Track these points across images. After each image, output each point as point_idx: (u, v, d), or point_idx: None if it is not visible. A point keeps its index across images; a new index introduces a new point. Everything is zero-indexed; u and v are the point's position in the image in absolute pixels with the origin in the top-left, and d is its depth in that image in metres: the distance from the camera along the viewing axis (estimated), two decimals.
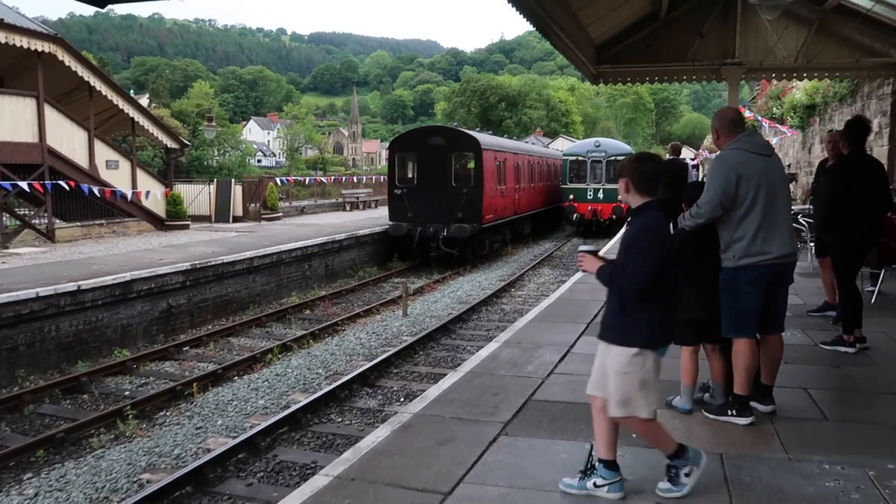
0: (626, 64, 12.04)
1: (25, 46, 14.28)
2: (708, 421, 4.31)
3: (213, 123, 31.50)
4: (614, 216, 24.22)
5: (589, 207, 24.94)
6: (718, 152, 4.36)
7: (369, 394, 8.74)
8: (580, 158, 26.04)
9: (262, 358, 10.29)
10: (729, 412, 4.28)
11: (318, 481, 3.48)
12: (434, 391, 4.88)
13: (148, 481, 6.24)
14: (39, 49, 14.66)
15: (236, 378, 9.50)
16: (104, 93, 16.66)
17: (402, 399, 8.49)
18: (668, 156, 12.91)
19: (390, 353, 10.13)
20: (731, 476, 3.52)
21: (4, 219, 15.35)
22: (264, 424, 7.22)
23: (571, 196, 25.33)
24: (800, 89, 19.17)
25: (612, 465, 3.31)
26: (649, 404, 3.19)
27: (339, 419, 7.86)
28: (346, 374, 9.19)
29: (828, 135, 7.86)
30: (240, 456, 6.69)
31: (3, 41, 13.76)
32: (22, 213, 16.47)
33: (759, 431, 4.06)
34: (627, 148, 27.15)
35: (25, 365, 9.38)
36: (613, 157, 24.95)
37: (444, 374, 9.31)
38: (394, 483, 3.42)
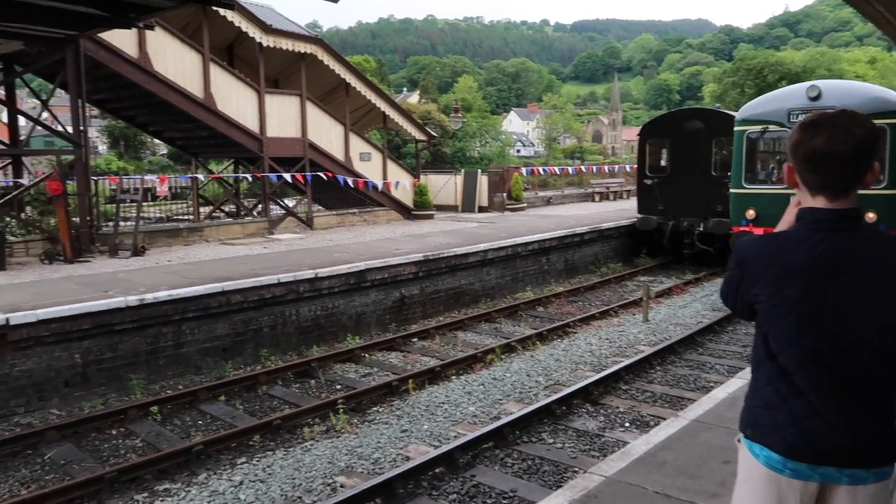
0: None
1: (290, 49, 15.62)
2: None
3: (459, 115, 32.35)
4: None
5: None
6: None
7: (590, 413, 7.71)
8: (771, 129, 12.34)
9: (482, 358, 9.79)
10: None
11: None
12: (640, 446, 3.75)
13: (341, 486, 6.00)
14: (302, 51, 15.96)
15: (453, 377, 9.11)
16: (359, 89, 17.69)
17: (626, 424, 7.33)
18: None
19: (622, 365, 8.96)
20: None
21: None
22: (467, 437, 6.62)
23: (752, 212, 12.30)
24: None
25: None
26: None
27: (551, 440, 6.97)
28: (568, 387, 8.27)
29: None
30: (436, 471, 6.18)
31: (272, 45, 15.20)
32: (288, 202, 18.21)
33: None
34: (888, 93, 12.29)
35: (268, 345, 10.01)
36: None
37: (683, 399, 7.99)
38: None
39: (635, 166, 19.90)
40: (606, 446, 6.76)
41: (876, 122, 9.76)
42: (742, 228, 12.35)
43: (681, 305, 13.08)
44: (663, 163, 18.06)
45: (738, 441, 2.01)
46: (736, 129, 12.88)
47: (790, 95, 12.38)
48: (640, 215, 17.81)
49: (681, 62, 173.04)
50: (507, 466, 6.37)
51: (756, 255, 1.93)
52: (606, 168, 32.63)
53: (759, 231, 11.69)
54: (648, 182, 17.70)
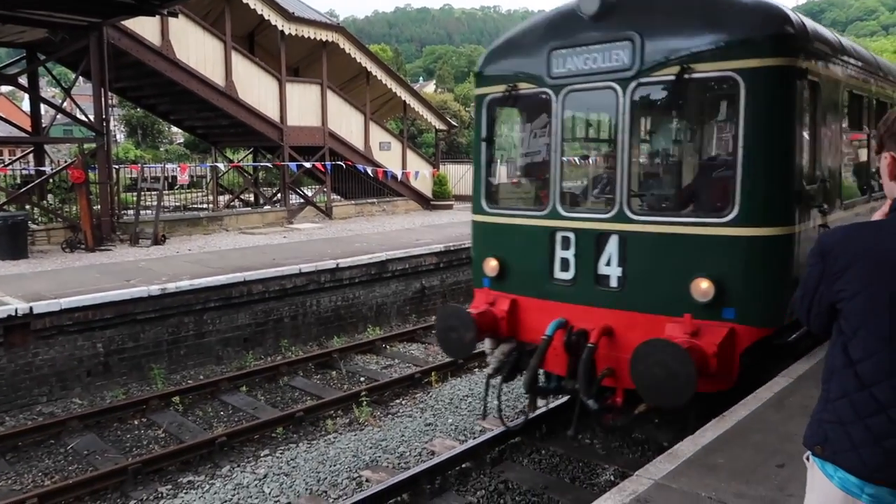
0: None
1: (312, 37, 15.48)
2: None
3: None
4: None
5: (558, 324, 5.33)
6: None
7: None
8: (524, 90, 5.72)
9: None
10: None
11: None
12: (688, 447, 3.59)
13: (367, 480, 5.90)
14: (323, 38, 15.82)
15: (476, 370, 8.97)
16: (380, 78, 17.53)
17: (655, 420, 7.14)
18: None
19: None
20: None
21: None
22: (494, 433, 6.48)
23: (493, 263, 5.91)
24: None
25: None
26: None
27: (579, 435, 6.80)
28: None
29: None
30: (463, 466, 6.05)
31: (294, 33, 15.07)
32: (307, 191, 18.12)
33: None
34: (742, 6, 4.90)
35: (289, 336, 9.93)
36: (675, 65, 4.83)
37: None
38: None
39: None
40: (635, 442, 6.61)
41: (719, 67, 4.57)
42: (484, 292, 6.02)
43: None
44: None
45: (807, 459, 1.83)
46: (476, 91, 6.41)
47: (552, 23, 5.72)
48: None
49: None
50: (536, 462, 6.23)
51: (844, 244, 1.73)
52: None
53: (504, 303, 5.85)
54: None
